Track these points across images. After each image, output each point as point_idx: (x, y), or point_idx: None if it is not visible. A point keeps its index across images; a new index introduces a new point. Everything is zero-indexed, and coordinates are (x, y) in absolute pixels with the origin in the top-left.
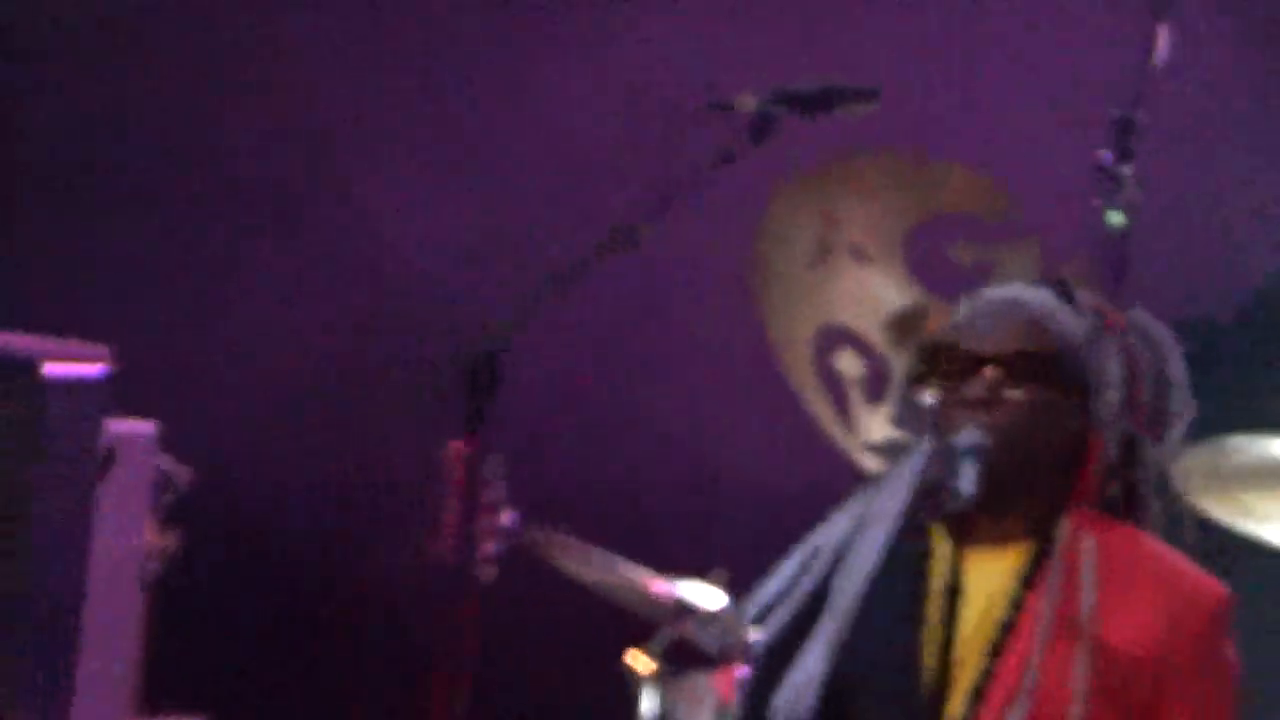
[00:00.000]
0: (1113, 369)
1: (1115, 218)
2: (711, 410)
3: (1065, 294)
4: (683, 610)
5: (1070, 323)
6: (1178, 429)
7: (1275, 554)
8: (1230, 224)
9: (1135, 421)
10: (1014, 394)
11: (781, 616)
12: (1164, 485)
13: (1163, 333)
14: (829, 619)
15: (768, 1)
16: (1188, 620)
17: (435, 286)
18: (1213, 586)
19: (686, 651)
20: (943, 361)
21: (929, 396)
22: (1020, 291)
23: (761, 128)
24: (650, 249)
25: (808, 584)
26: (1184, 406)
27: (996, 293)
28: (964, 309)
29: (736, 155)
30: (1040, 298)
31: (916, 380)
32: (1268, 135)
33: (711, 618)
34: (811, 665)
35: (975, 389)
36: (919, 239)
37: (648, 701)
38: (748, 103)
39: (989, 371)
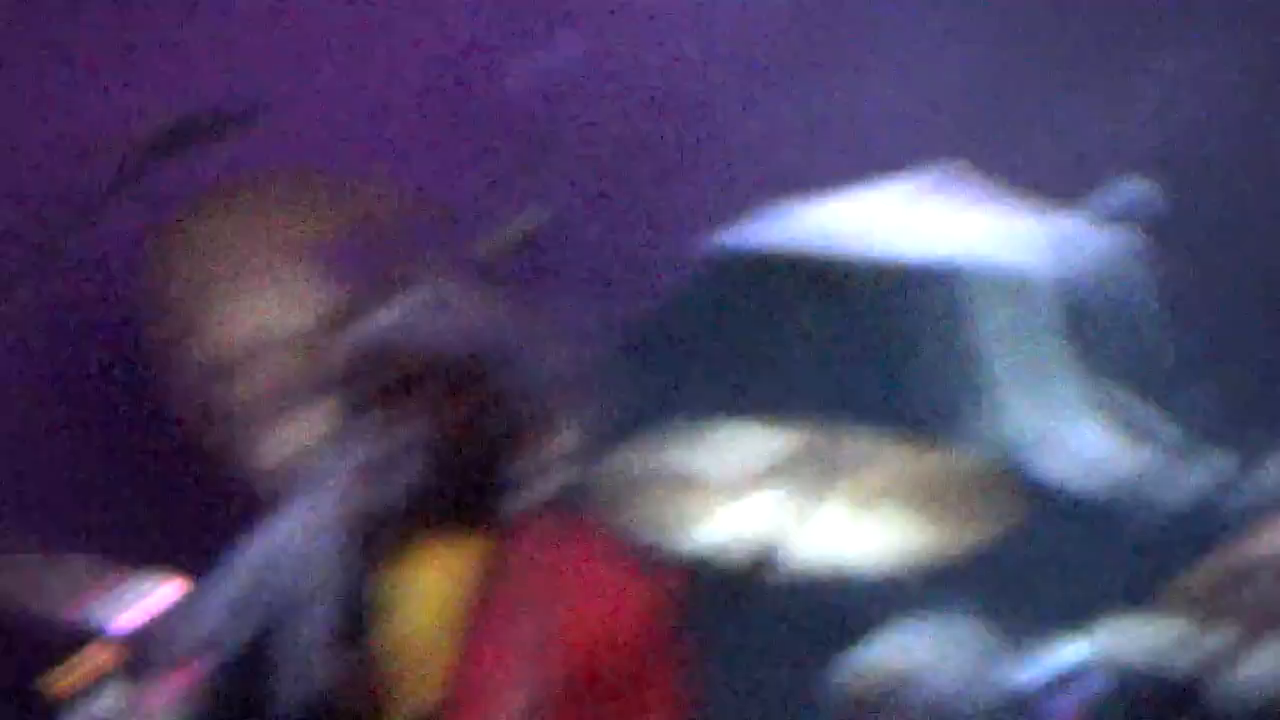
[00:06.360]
0: (491, 364)
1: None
2: None
3: (438, 300)
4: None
5: (437, 332)
6: (568, 416)
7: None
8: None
9: (524, 412)
10: (424, 408)
11: (239, 628)
12: (574, 475)
13: (510, 324)
14: (303, 629)
15: None
16: (628, 618)
17: None
18: (645, 586)
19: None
20: (352, 386)
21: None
22: (386, 320)
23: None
24: None
25: (260, 604)
26: (574, 398)
27: (363, 329)
28: (342, 347)
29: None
30: (402, 318)
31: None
32: None
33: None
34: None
35: (386, 410)
36: (337, 249)
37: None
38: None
39: (390, 396)
